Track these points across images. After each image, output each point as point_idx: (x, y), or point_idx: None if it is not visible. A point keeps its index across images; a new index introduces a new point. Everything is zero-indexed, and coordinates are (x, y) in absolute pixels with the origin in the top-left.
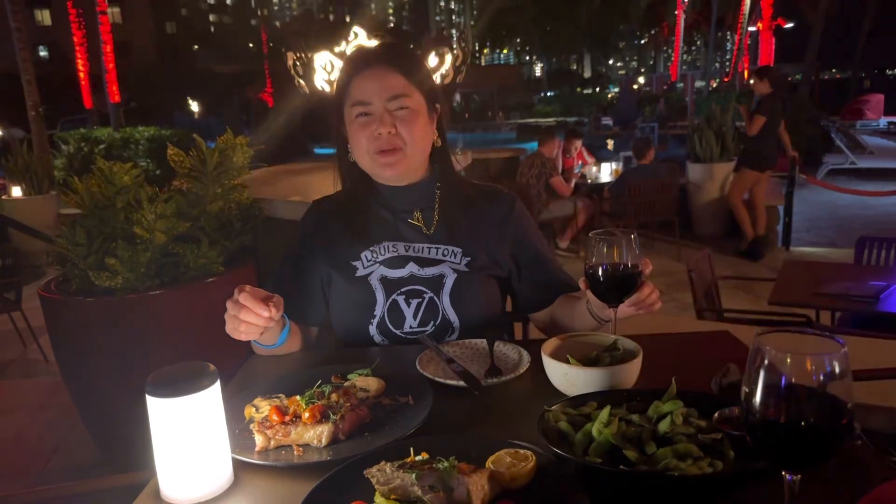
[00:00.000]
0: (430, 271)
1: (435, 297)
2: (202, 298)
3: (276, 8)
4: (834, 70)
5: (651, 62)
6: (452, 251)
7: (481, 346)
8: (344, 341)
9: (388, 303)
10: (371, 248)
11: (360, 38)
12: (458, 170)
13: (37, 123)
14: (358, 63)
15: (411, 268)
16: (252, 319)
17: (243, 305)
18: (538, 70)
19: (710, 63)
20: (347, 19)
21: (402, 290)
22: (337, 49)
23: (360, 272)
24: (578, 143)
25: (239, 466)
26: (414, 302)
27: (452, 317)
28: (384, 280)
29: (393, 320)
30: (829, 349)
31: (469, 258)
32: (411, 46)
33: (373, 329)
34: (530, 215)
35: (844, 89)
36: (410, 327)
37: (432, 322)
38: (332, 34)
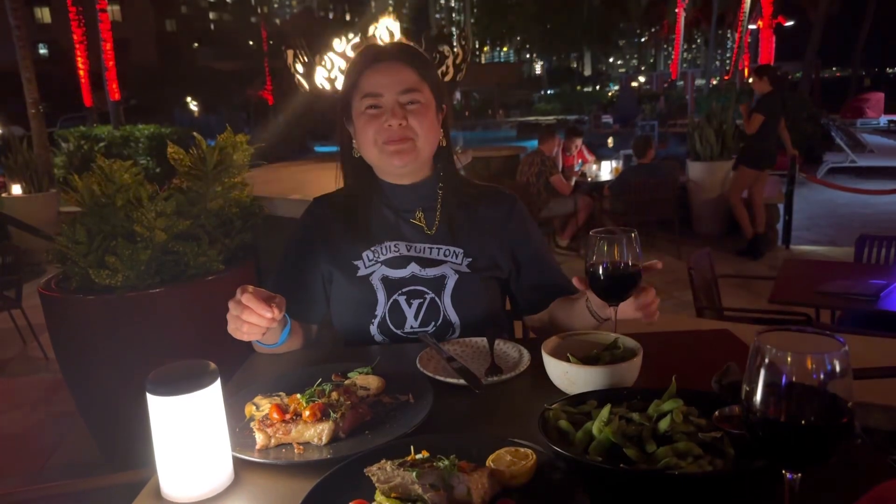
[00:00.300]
0: (431, 272)
1: (436, 298)
2: (202, 296)
3: (276, 6)
4: (834, 68)
5: (651, 60)
6: (454, 252)
7: (482, 345)
8: (345, 340)
9: (389, 303)
10: (373, 248)
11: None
12: (458, 168)
13: (37, 121)
14: (370, 57)
15: (413, 268)
16: (255, 320)
17: (246, 306)
18: (538, 68)
19: (711, 61)
20: (347, 17)
21: (404, 290)
22: (338, 47)
23: (362, 272)
24: (578, 142)
25: (239, 465)
26: (415, 302)
27: (453, 317)
28: (385, 280)
29: (394, 320)
30: (829, 348)
31: (470, 259)
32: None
33: (374, 329)
34: (530, 215)
35: (845, 87)
36: (411, 327)
37: (433, 322)
38: (331, 32)
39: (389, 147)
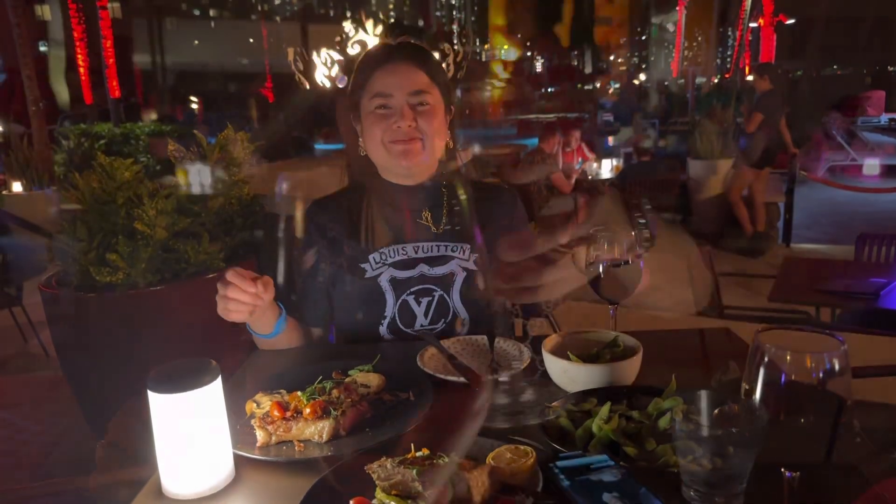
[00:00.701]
0: (439, 270)
1: (445, 295)
2: (203, 294)
3: (276, 3)
4: (835, 66)
5: (652, 58)
6: (461, 248)
7: (482, 343)
8: (352, 340)
9: (398, 303)
10: (380, 251)
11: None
12: (460, 167)
13: (37, 119)
14: (380, 57)
15: (421, 268)
16: (239, 296)
17: (230, 283)
18: (539, 66)
19: (712, 59)
20: (348, 15)
21: (412, 289)
22: (338, 46)
23: (370, 274)
24: (577, 134)
25: (240, 462)
26: (424, 300)
27: (462, 313)
28: (394, 281)
29: (404, 320)
30: (828, 347)
31: (477, 255)
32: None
33: (383, 329)
34: (529, 214)
35: (846, 85)
36: (422, 325)
37: (443, 320)
38: (331, 29)
39: (397, 146)
